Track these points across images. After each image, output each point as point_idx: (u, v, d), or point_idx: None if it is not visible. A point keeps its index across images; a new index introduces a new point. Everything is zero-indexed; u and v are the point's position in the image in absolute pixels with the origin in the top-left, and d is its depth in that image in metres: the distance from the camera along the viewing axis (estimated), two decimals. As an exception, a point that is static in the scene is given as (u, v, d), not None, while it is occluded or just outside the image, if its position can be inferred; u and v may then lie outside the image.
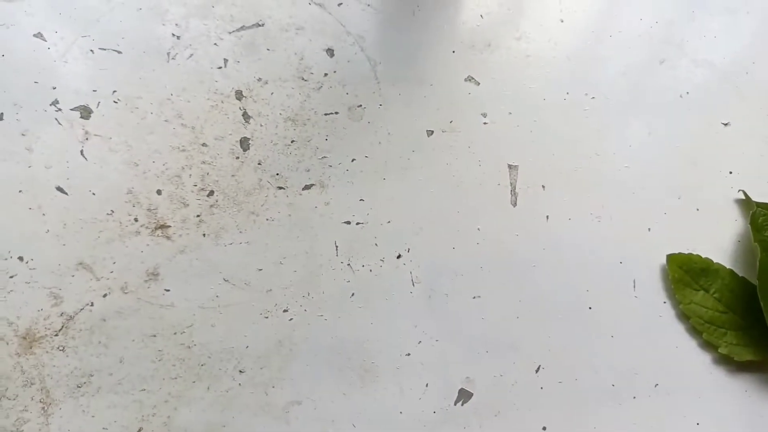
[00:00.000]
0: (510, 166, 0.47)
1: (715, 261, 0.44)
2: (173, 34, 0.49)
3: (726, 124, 0.51)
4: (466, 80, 0.50)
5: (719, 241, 0.46)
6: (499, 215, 0.45)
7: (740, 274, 0.44)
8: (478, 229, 0.45)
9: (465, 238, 0.46)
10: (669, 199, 0.47)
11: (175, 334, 0.41)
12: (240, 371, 0.40)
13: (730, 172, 0.49)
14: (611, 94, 0.51)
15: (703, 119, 0.51)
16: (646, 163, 0.48)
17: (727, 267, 0.44)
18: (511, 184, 0.46)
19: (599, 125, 0.49)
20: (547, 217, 0.46)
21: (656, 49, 0.54)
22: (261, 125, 0.47)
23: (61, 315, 0.41)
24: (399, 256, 0.44)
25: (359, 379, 0.41)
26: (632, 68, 0.53)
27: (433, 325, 0.43)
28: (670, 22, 0.55)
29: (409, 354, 0.42)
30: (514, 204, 0.46)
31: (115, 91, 0.47)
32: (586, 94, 0.50)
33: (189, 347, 0.41)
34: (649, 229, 0.47)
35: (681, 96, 0.52)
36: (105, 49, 0.48)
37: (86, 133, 0.46)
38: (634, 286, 0.45)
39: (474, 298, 0.44)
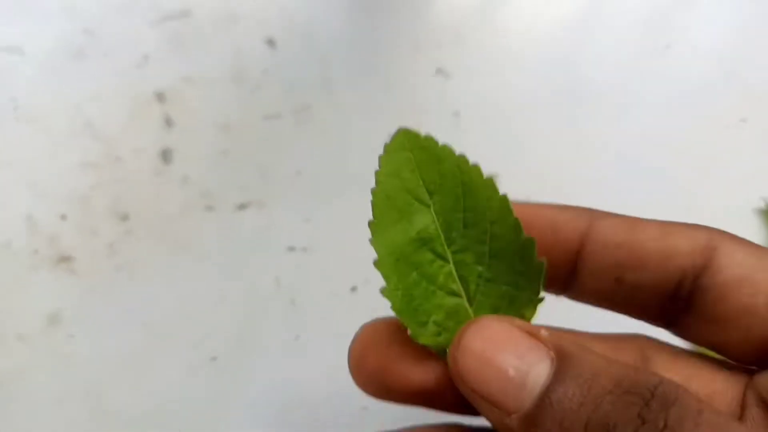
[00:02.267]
0: (488, 174, 0.42)
1: None
2: (85, 30, 0.45)
3: (743, 120, 0.48)
4: (434, 74, 0.47)
5: (739, 260, 0.41)
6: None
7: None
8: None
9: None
10: (677, 212, 0.42)
11: (85, 395, 0.37)
12: None
13: (747, 178, 0.46)
14: (605, 89, 0.48)
15: (713, 117, 0.48)
16: (648, 170, 0.46)
17: None
18: None
19: (591, 126, 0.47)
20: None
21: (655, 38, 0.50)
22: (187, 133, 0.43)
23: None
24: (354, 289, 0.41)
25: (306, 441, 0.38)
26: (628, 60, 0.49)
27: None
28: (672, 6, 0.51)
29: (365, 408, 0.38)
30: (494, 221, 0.41)
31: (15, 99, 0.43)
32: (576, 91, 0.48)
33: (100, 409, 0.37)
34: None
35: (685, 91, 0.48)
36: (4, 50, 0.44)
37: (-26, 148, 0.42)
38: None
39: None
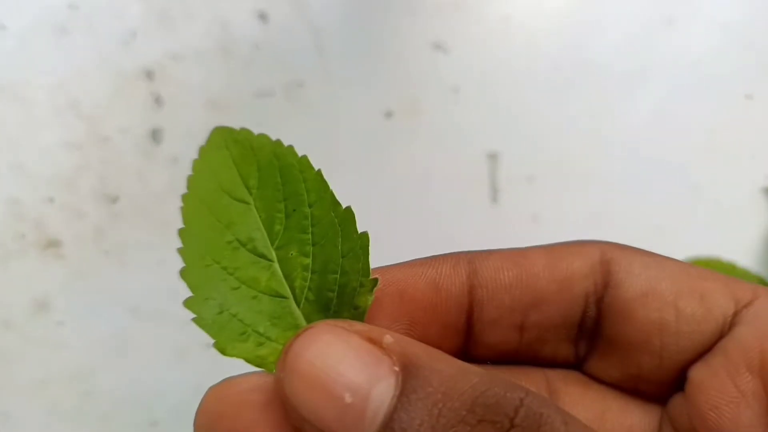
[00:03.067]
0: (489, 155, 0.44)
1: (739, 265, 0.42)
2: (69, 5, 0.44)
3: (749, 97, 0.47)
4: (432, 48, 0.46)
5: (744, 241, 0.44)
6: (476, 216, 0.44)
7: (771, 280, 0.41)
8: (451, 233, 0.43)
9: (434, 245, 0.40)
10: (683, 192, 0.45)
11: (71, 379, 0.38)
12: (153, 423, 0.37)
13: (753, 157, 0.46)
14: (608, 64, 0.47)
15: (721, 93, 0.48)
16: (654, 149, 0.45)
17: (754, 272, 0.42)
18: (490, 177, 0.44)
19: (596, 103, 0.46)
20: (535, 216, 0.43)
21: (663, 8, 0.49)
22: (177, 112, 0.43)
23: None
24: None
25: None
26: (635, 32, 0.49)
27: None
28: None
29: None
30: (495, 201, 0.44)
31: None
32: (580, 65, 0.47)
33: (89, 395, 0.37)
34: (660, 229, 0.44)
35: (694, 65, 0.48)
36: None
37: (-44, 129, 0.42)
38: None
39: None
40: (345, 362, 0.14)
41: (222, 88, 0.43)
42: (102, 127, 0.41)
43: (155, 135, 0.41)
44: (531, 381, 0.19)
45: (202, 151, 0.18)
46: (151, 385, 0.37)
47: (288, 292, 0.18)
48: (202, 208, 0.18)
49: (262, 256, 0.18)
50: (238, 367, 0.40)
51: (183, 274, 0.17)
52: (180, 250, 0.18)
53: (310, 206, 0.18)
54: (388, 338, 0.15)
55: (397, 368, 0.14)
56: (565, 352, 0.19)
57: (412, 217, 0.43)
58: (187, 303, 0.17)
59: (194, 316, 0.17)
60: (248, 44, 0.44)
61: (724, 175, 0.45)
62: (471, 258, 0.19)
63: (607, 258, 0.18)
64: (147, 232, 0.40)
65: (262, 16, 0.45)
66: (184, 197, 0.18)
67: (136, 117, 0.42)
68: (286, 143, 0.19)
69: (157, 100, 0.42)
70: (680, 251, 0.40)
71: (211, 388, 0.17)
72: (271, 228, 0.18)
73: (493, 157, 0.44)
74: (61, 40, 0.43)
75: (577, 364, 0.19)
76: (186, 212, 0.18)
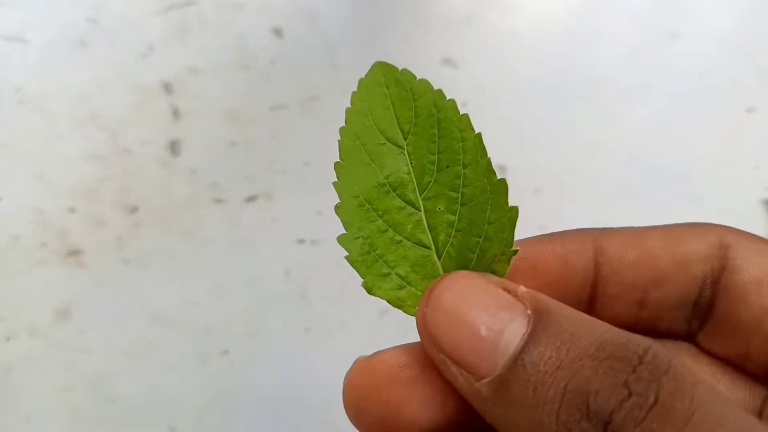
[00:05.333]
0: (497, 167, 0.42)
1: None
2: (89, 18, 0.44)
3: (750, 111, 0.47)
4: (442, 63, 0.46)
5: (746, 251, 0.41)
6: (484, 227, 0.41)
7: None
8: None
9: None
10: (685, 203, 0.44)
11: (93, 385, 0.38)
12: (172, 429, 0.37)
13: (755, 169, 0.45)
14: (615, 77, 0.47)
15: (723, 106, 0.47)
16: (657, 161, 0.45)
17: None
18: None
19: (601, 116, 0.46)
20: (542, 227, 0.41)
21: (667, 23, 0.49)
22: (194, 124, 0.43)
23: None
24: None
25: (317, 434, 0.38)
26: (638, 46, 0.48)
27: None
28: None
29: None
30: (502, 212, 0.42)
31: (19, 89, 0.42)
32: (585, 79, 0.47)
33: (110, 401, 0.37)
34: None
35: (696, 78, 0.48)
36: (6, 39, 0.43)
37: (-20, 140, 0.42)
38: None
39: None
40: (483, 301, 0.16)
41: (238, 102, 0.43)
42: (122, 138, 0.41)
43: (173, 147, 0.42)
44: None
45: (362, 84, 0.18)
46: (170, 391, 0.37)
47: (431, 243, 0.18)
48: (357, 144, 0.18)
49: (410, 203, 0.18)
50: (256, 375, 0.40)
51: (339, 210, 0.18)
52: (336, 185, 0.18)
53: (464, 166, 0.18)
54: (522, 288, 0.16)
55: (529, 312, 0.15)
56: (678, 327, 0.20)
57: (422, 228, 0.43)
58: (341, 239, 0.18)
59: (347, 253, 0.18)
60: (264, 59, 0.44)
61: (725, 186, 0.45)
62: (596, 236, 0.19)
63: (726, 243, 0.19)
64: (166, 241, 0.40)
65: (277, 32, 0.45)
66: (342, 130, 0.18)
67: (155, 129, 0.42)
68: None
69: (175, 113, 0.42)
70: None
71: (358, 361, 0.18)
72: (421, 177, 0.18)
73: (501, 170, 0.43)
74: (82, 54, 0.43)
75: (688, 337, 0.20)
76: (343, 146, 0.18)
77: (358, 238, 0.18)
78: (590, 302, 0.19)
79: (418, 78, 0.18)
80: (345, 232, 0.18)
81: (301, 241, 0.40)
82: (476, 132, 0.18)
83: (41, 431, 0.37)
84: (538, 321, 0.15)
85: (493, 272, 0.18)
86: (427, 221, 0.18)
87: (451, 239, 0.18)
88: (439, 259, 0.18)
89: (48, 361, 0.38)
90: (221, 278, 0.40)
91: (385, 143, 0.18)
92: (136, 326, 0.38)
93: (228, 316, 0.39)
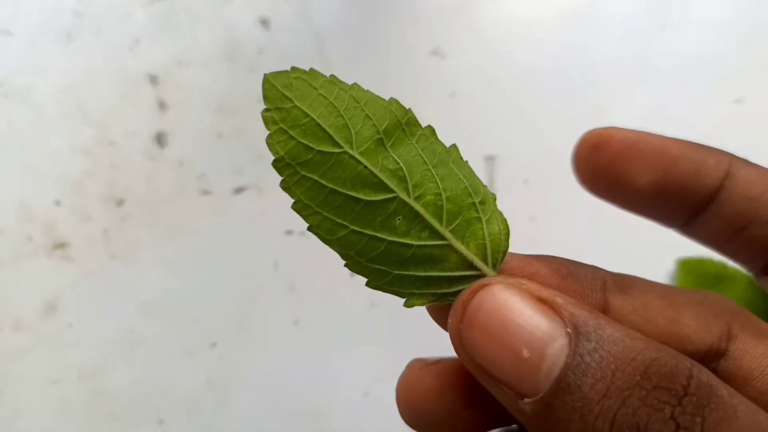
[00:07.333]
0: (486, 158, 0.44)
1: (730, 265, 0.41)
2: (74, 11, 0.44)
3: (738, 101, 0.47)
4: (430, 53, 0.46)
5: (735, 240, 0.41)
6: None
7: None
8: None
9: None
10: None
11: (81, 378, 0.38)
12: (161, 421, 0.37)
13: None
14: (604, 68, 0.47)
15: (712, 97, 0.47)
16: None
17: (744, 272, 0.40)
18: (487, 178, 0.43)
19: (590, 106, 0.45)
20: (533, 217, 0.43)
21: (657, 14, 0.49)
22: (181, 116, 0.42)
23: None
24: (354, 274, 0.39)
25: (307, 426, 0.38)
26: (628, 38, 0.48)
27: (397, 356, 0.37)
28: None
29: (366, 394, 0.38)
30: (492, 202, 0.42)
31: (4, 82, 0.42)
32: (575, 70, 0.46)
33: (98, 393, 0.37)
34: (653, 229, 0.41)
35: (685, 69, 0.47)
36: None
37: (-36, 133, 0.41)
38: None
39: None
40: (521, 319, 0.15)
41: (225, 93, 0.43)
42: (108, 131, 0.41)
43: (160, 139, 0.41)
44: (713, 324, 0.19)
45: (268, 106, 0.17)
46: (158, 383, 0.37)
47: (439, 227, 0.18)
48: (319, 185, 0.17)
49: (403, 204, 0.18)
50: (244, 367, 0.40)
51: (346, 265, 0.18)
52: (327, 243, 0.17)
53: (412, 137, 0.17)
54: (559, 300, 0.15)
55: (569, 330, 0.15)
56: (761, 261, 0.20)
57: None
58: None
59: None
60: (251, 49, 0.44)
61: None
62: (731, 160, 0.20)
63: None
64: (153, 233, 0.39)
65: (264, 22, 0.44)
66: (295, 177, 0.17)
67: (141, 121, 0.41)
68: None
69: (162, 105, 0.42)
70: (672, 251, 0.41)
71: (412, 363, 0.19)
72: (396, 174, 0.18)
73: (490, 160, 0.44)
74: (67, 46, 0.42)
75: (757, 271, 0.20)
76: (307, 197, 0.17)
77: (369, 265, 0.18)
78: (699, 212, 0.19)
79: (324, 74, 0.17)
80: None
81: (290, 233, 0.40)
82: (370, 94, 0.17)
83: (30, 424, 0.37)
84: (579, 340, 0.15)
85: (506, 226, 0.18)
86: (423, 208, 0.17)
87: (446, 205, 0.17)
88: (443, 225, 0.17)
89: (36, 355, 0.37)
90: (209, 270, 0.39)
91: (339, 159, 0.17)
92: (124, 319, 0.38)
93: (216, 308, 0.39)
